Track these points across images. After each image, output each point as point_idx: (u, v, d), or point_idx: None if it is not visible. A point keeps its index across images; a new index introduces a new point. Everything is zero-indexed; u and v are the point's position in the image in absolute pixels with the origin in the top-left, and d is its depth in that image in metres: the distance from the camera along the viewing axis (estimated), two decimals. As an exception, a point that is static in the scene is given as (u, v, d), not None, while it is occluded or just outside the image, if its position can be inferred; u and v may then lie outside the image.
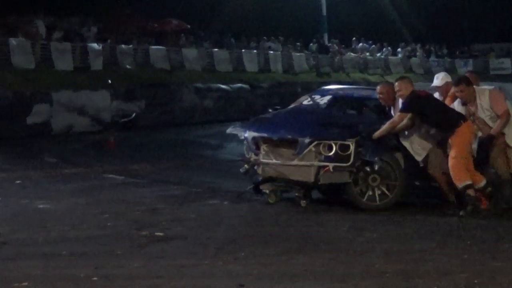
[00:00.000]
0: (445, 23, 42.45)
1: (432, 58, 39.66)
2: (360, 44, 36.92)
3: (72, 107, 20.61)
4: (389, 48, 37.65)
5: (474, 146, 8.37)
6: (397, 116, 8.45)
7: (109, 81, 22.17)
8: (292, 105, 10.15)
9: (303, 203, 8.67)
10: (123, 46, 24.87)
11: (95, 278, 5.58)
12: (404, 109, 8.40)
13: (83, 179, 11.30)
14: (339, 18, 37.20)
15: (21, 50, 21.39)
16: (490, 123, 8.41)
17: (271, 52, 30.94)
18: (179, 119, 23.51)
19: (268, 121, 9.45)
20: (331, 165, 8.42)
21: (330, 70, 33.05)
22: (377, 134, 8.45)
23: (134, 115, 22.18)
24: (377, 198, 8.61)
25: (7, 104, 18.98)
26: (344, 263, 6.07)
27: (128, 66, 24.48)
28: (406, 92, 8.45)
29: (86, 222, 7.83)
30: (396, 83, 8.65)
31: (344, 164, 8.44)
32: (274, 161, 8.84)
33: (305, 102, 9.97)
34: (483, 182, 8.20)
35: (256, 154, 9.03)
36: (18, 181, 10.96)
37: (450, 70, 32.00)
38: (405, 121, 8.41)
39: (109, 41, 24.66)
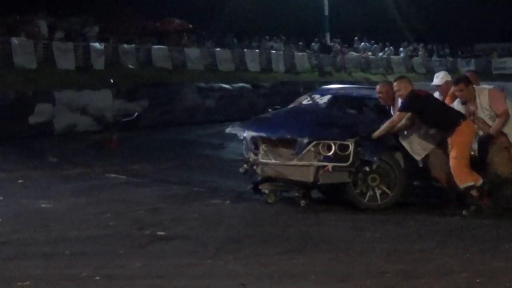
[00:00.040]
0: (447, 22, 42.34)
1: (434, 57, 39.53)
2: (362, 43, 36.85)
3: (74, 106, 20.51)
4: (391, 47, 37.56)
5: (475, 145, 8.38)
6: (397, 116, 8.44)
7: (111, 81, 22.11)
8: (291, 105, 10.14)
9: (302, 203, 8.68)
10: (125, 45, 24.81)
11: (96, 278, 5.61)
12: (404, 109, 8.39)
13: (84, 179, 11.28)
14: (341, 17, 37.17)
15: (23, 50, 21.34)
16: (489, 122, 8.41)
17: (273, 51, 30.86)
18: (180, 119, 23.41)
19: (267, 120, 9.43)
20: (330, 165, 8.42)
21: (332, 69, 33.01)
22: (376, 133, 8.45)
23: (136, 114, 22.15)
24: (378, 198, 8.62)
25: (9, 103, 18.88)
26: (344, 263, 6.08)
27: (130, 66, 24.43)
28: (405, 92, 8.44)
29: (87, 222, 7.85)
30: (395, 83, 8.63)
31: (343, 164, 8.43)
32: (273, 161, 8.83)
33: (304, 102, 9.97)
34: (480, 181, 8.18)
35: (255, 154, 9.02)
36: (19, 181, 10.95)
37: (452, 70, 32.01)
38: (404, 121, 8.41)
39: (111, 40, 24.66)
